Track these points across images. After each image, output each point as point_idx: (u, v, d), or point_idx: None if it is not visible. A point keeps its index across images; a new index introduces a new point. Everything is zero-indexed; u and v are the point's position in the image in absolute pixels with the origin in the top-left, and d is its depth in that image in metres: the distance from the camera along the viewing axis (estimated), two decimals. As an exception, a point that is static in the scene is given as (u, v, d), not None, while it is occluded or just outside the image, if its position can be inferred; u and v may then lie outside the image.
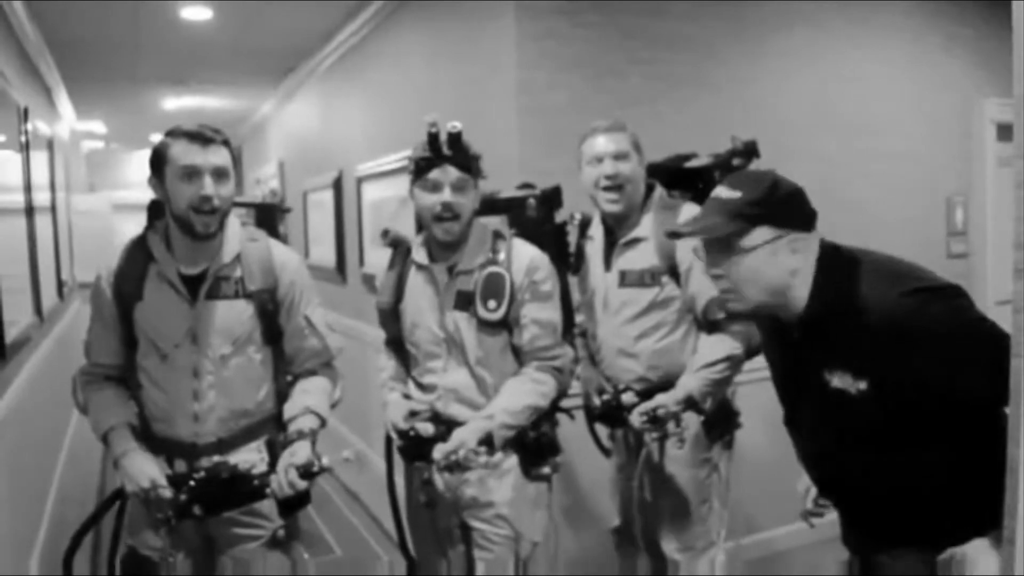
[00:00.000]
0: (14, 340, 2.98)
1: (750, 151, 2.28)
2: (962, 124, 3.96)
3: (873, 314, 1.36)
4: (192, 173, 1.77)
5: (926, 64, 3.83)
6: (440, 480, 2.03)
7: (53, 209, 4.71)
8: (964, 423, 1.36)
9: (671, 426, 2.05)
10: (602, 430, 2.46)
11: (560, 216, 2.26)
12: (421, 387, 2.08)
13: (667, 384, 2.13)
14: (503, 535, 2.02)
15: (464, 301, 1.99)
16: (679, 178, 2.32)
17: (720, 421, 2.28)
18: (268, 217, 2.20)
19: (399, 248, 2.14)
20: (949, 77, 3.89)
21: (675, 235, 1.62)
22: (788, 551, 3.15)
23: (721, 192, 1.49)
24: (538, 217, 2.18)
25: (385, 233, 2.16)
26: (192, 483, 1.77)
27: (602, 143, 2.19)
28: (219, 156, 1.80)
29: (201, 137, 1.78)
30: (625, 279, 2.23)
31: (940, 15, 3.82)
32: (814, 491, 1.70)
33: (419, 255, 2.07)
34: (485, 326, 1.99)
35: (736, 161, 2.27)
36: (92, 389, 1.94)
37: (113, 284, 1.88)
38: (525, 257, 2.01)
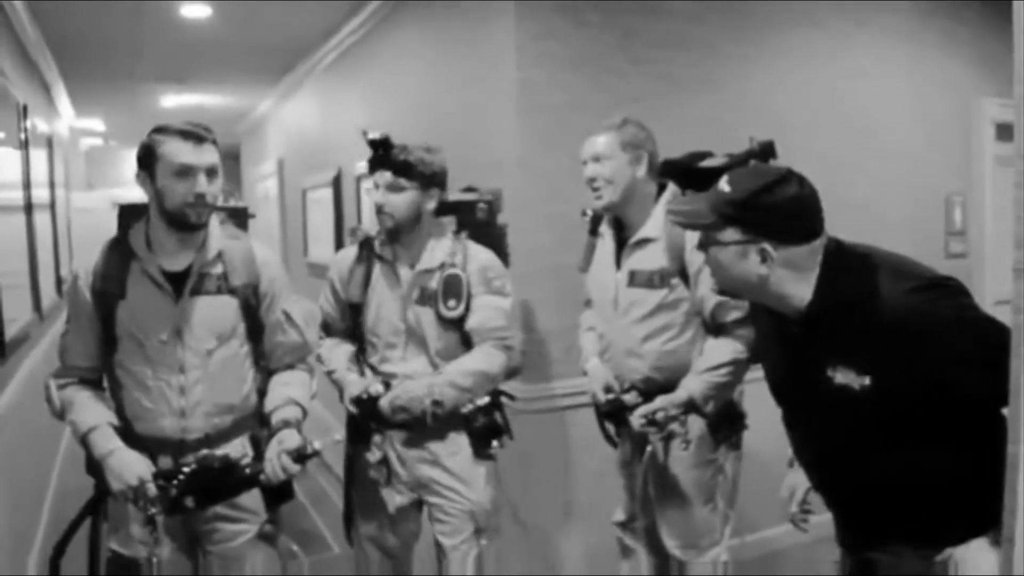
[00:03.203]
0: (13, 337, 2.98)
1: (767, 152, 2.26)
2: (961, 123, 3.96)
3: (880, 310, 1.36)
4: (186, 171, 1.79)
5: (925, 63, 3.83)
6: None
7: (52, 206, 4.71)
8: (966, 421, 1.36)
9: (676, 427, 2.06)
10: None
11: (502, 218, 2.40)
12: (379, 375, 2.23)
13: (672, 385, 2.12)
14: (459, 508, 2.20)
15: (426, 297, 2.19)
16: (694, 178, 2.31)
17: (727, 422, 2.27)
18: (241, 220, 2.26)
19: (367, 244, 2.29)
20: (948, 76, 3.90)
21: (672, 214, 1.67)
22: (791, 548, 3.15)
23: (721, 182, 1.50)
24: (485, 219, 2.35)
25: (354, 231, 2.31)
26: (182, 476, 1.76)
27: (586, 146, 2.24)
28: (211, 155, 1.83)
29: (194, 136, 1.80)
30: (634, 279, 2.23)
31: (939, 14, 3.83)
32: (800, 493, 1.69)
33: (384, 251, 2.24)
34: (445, 322, 2.19)
35: (752, 163, 2.26)
36: (69, 392, 1.93)
37: (91, 284, 1.88)
38: (478, 260, 2.22)
